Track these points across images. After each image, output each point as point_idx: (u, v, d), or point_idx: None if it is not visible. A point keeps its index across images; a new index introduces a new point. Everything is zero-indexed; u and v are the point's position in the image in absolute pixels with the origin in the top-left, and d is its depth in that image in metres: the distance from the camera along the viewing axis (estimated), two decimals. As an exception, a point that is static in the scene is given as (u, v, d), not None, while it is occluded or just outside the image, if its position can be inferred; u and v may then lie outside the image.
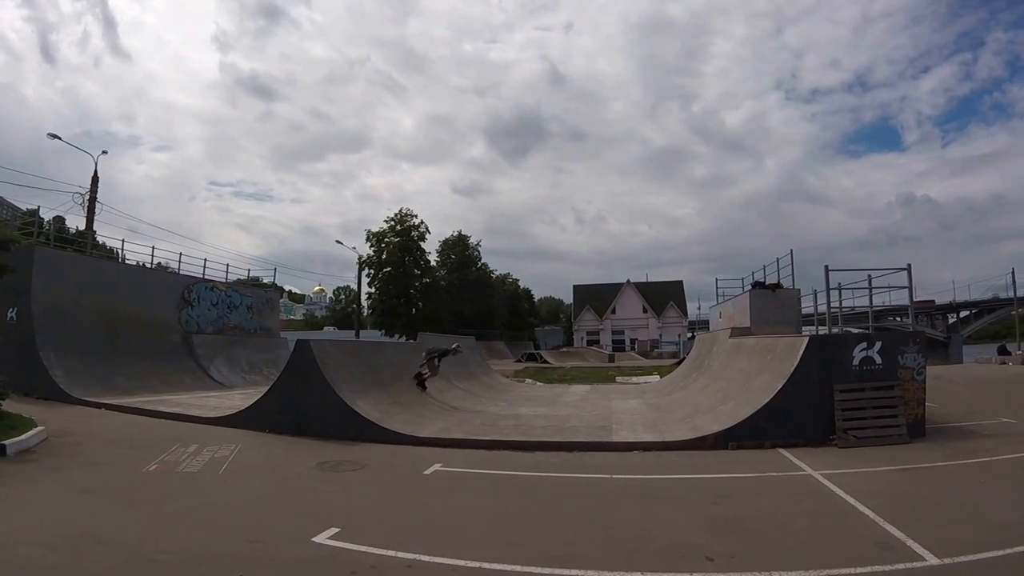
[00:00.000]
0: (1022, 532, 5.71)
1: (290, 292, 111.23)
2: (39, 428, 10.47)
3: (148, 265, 25.35)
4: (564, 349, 74.25)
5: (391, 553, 5.51)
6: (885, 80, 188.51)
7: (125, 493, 7.65)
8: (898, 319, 60.07)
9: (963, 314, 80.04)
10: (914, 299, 15.61)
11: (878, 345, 11.14)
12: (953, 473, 8.54)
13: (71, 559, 5.36)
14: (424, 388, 15.85)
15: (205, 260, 26.31)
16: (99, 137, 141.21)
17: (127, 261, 25.80)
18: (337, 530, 6.12)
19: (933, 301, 73.05)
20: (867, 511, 6.70)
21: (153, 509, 6.96)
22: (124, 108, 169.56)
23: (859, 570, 5.09)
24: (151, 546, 5.70)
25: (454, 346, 17.70)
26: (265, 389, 13.32)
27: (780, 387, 11.08)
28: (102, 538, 5.89)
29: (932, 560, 5.23)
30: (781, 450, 10.17)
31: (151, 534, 6.04)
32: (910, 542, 5.65)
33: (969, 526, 6.13)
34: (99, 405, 14.69)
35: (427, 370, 16.29)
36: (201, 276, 25.47)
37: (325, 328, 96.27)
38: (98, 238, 30.32)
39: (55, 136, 29.25)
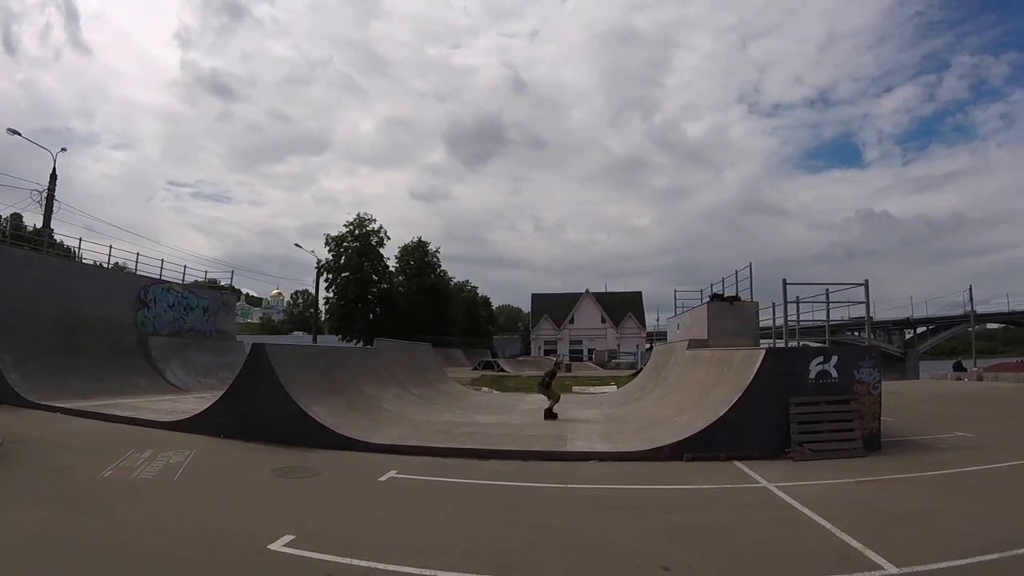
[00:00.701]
0: (979, 543, 5.86)
1: (247, 295, 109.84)
2: (-7, 434, 10.22)
3: (105, 265, 24.89)
4: (521, 358, 74.49)
5: (347, 560, 5.52)
6: (848, 97, 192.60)
7: (80, 500, 7.52)
8: (855, 334, 61.26)
9: (920, 330, 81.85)
10: (872, 316, 15.89)
11: (834, 359, 11.30)
12: (909, 485, 8.70)
13: (23, 567, 5.28)
14: (555, 417, 15.74)
15: (162, 261, 25.88)
16: (58, 133, 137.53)
17: (84, 260, 25.29)
18: (292, 537, 6.10)
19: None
20: (824, 522, 6.80)
21: (108, 516, 6.86)
22: (84, 104, 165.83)
23: (816, 580, 5.19)
24: (108, 554, 5.64)
25: (559, 357, 18.16)
26: (220, 393, 13.14)
27: (736, 399, 11.15)
28: (58, 546, 5.80)
29: (891, 569, 5.35)
30: (736, 462, 10.25)
31: (106, 542, 5.98)
32: (868, 552, 5.76)
33: (926, 536, 6.28)
34: (55, 409, 14.35)
35: (550, 399, 16.39)
36: (158, 277, 25.02)
37: (295, 333, 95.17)
38: (56, 237, 29.66)
39: (15, 132, 28.56)
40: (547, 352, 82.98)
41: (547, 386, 16.55)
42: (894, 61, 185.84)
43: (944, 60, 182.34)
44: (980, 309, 63.42)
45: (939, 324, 79.96)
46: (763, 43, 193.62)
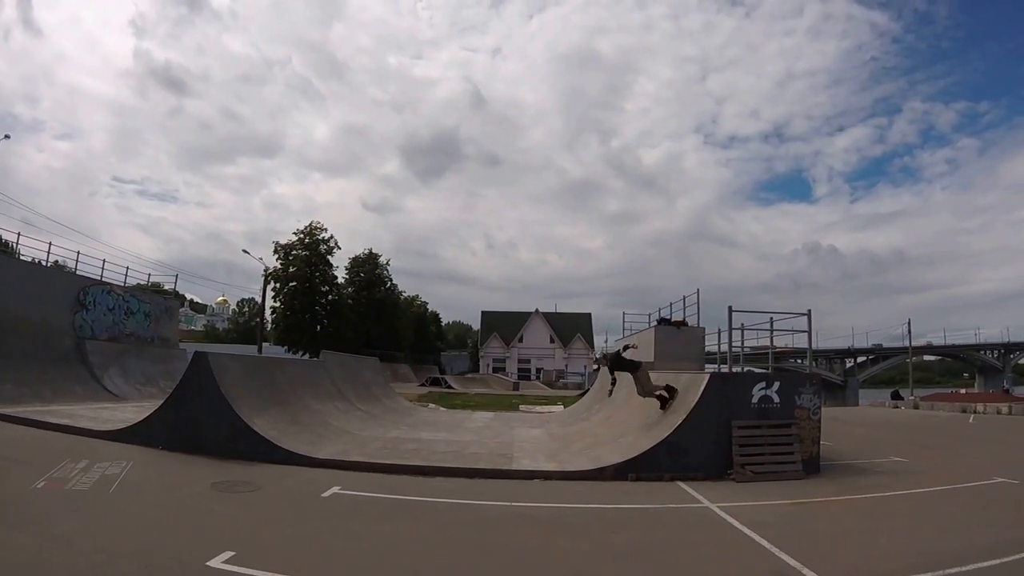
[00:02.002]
0: (911, 562, 6.10)
1: (192, 301, 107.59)
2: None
3: (43, 263, 24.15)
4: (469, 375, 74.30)
5: (287, 579, 5.44)
6: (801, 134, 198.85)
7: (11, 512, 7.27)
8: (798, 361, 62.64)
9: (860, 359, 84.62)
10: (814, 345, 16.26)
11: (776, 385, 11.64)
12: (846, 507, 8.99)
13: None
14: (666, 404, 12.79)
15: (104, 261, 25.21)
16: (0, 118, 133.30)
17: (21, 257, 24.52)
18: (232, 554, 5.98)
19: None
20: (763, 541, 6.96)
21: (41, 530, 6.64)
22: (29, 88, 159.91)
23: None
24: (39, 570, 5.48)
25: (631, 344, 15.05)
26: (160, 403, 12.84)
27: (680, 421, 11.39)
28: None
29: None
30: (680, 483, 10.42)
31: (39, 557, 5.79)
32: (805, 571, 5.91)
33: (861, 555, 6.50)
34: (-17, 414, 13.82)
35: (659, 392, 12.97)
36: (99, 278, 24.35)
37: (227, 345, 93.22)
38: (-9, 231, 28.80)
39: (-48, 118, 27.74)
40: (495, 370, 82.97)
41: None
42: (848, 102, 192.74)
43: (896, 105, 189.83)
44: (918, 342, 66.11)
45: (878, 355, 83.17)
46: (722, 76, 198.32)
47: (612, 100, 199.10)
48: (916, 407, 32.84)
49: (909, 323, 60.76)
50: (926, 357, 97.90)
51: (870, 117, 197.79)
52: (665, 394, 12.89)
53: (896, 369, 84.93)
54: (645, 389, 13.10)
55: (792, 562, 6.18)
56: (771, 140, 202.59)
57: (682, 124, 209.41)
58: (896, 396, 45.01)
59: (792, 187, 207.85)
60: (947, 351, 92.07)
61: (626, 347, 14.41)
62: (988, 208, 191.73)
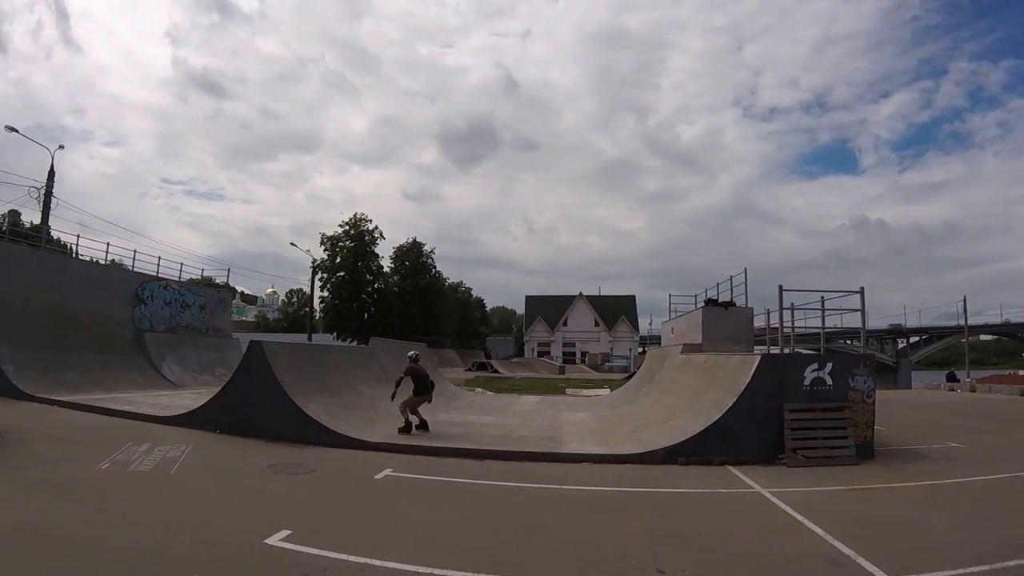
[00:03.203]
0: (969, 553, 5.84)
1: (242, 293, 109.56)
2: (-10, 424, 10.23)
3: (102, 262, 24.83)
4: (515, 359, 74.41)
5: (343, 556, 5.53)
6: (844, 102, 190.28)
7: (77, 491, 7.52)
8: (848, 342, 61.28)
9: (912, 339, 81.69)
10: (866, 323, 15.88)
11: (829, 367, 11.24)
12: (900, 494, 8.67)
13: (23, 557, 5.28)
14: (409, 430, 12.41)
15: (159, 258, 25.78)
16: (51, 130, 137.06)
17: (81, 257, 25.22)
18: (289, 532, 6.11)
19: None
20: (816, 528, 6.80)
21: (105, 508, 6.87)
22: (75, 101, 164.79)
23: (810, 586, 5.18)
24: (103, 544, 5.65)
25: (411, 354, 13.99)
26: (215, 389, 13.17)
27: (730, 405, 11.14)
28: (54, 536, 5.80)
29: None
30: (729, 467, 10.21)
31: (103, 533, 5.98)
32: (860, 560, 5.75)
33: (917, 545, 6.27)
34: (51, 402, 14.37)
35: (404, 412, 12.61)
36: (155, 274, 24.96)
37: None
38: (53, 233, 29.64)
39: (13, 129, 28.55)
40: (540, 354, 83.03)
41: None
42: (890, 66, 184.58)
43: (941, 66, 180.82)
44: (973, 321, 63.30)
45: (932, 334, 79.88)
46: (757, 45, 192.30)
47: (645, 77, 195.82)
48: (972, 390, 31.69)
49: (964, 300, 58.51)
50: (982, 336, 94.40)
51: (915, 81, 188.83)
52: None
53: (950, 350, 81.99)
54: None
55: (845, 550, 6.03)
56: (812, 110, 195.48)
57: (719, 98, 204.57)
58: (951, 378, 43.70)
59: (837, 159, 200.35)
60: (1004, 330, 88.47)
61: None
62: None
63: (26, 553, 5.36)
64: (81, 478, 8.16)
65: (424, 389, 12.87)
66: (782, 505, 7.92)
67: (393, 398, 12.73)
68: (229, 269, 33.05)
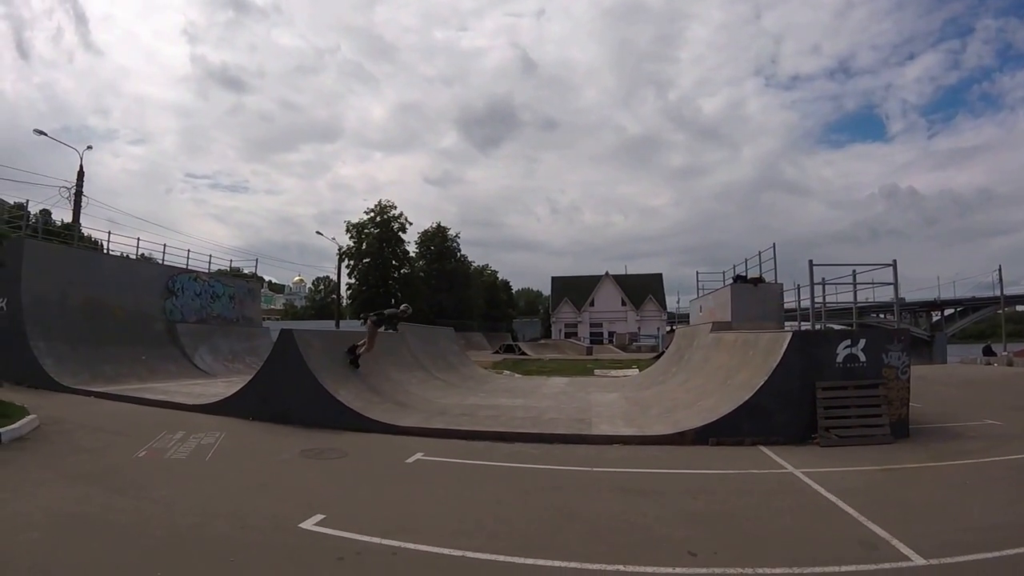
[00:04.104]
0: (1010, 534, 5.71)
1: (270, 282, 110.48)
2: (31, 416, 10.46)
3: (132, 256, 25.20)
4: (542, 341, 74.43)
5: (376, 540, 5.58)
6: (868, 67, 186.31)
7: (116, 479, 7.66)
8: (881, 316, 60.18)
9: (947, 312, 79.43)
10: (900, 297, 15.59)
11: (862, 343, 10.98)
12: (938, 474, 8.52)
13: (66, 543, 5.39)
14: (357, 366, 14.09)
15: (188, 251, 26.20)
16: (77, 131, 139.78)
17: (112, 253, 25.59)
18: (323, 516, 6.19)
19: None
20: (850, 509, 6.70)
21: (143, 495, 6.99)
22: (99, 102, 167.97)
23: (843, 568, 5.12)
24: (142, 530, 5.75)
25: (403, 307, 16.37)
26: (247, 378, 13.37)
27: (761, 383, 10.96)
28: (95, 523, 5.93)
29: (918, 560, 5.23)
30: (761, 447, 10.13)
31: (142, 519, 6.10)
32: (895, 541, 5.65)
33: (955, 527, 6.10)
34: (88, 393, 14.67)
35: (363, 343, 14.39)
36: (184, 267, 25.35)
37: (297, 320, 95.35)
38: (83, 230, 30.10)
39: (41, 132, 29.09)
40: (568, 335, 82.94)
41: (375, 324, 14.70)
42: (914, 27, 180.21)
43: (967, 24, 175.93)
44: (1010, 291, 61.14)
45: (967, 306, 77.41)
46: (776, 12, 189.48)
47: (664, 50, 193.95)
48: (1009, 364, 30.81)
49: (1000, 269, 56.24)
50: (1020, 307, 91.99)
51: (941, 41, 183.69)
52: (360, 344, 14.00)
53: (987, 322, 79.30)
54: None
55: (881, 532, 5.92)
56: (837, 76, 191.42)
57: (740, 68, 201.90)
58: (988, 352, 42.80)
59: (864, 126, 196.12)
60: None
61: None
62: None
63: (71, 540, 5.47)
64: (119, 466, 8.31)
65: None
66: (815, 486, 7.82)
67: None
68: (257, 259, 33.48)
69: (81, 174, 28.95)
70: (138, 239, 25.29)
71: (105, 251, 25.81)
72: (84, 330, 18.45)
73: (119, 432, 10.52)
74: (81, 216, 29.14)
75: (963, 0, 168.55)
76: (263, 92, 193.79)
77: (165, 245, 25.50)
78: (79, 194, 28.47)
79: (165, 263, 25.21)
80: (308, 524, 5.99)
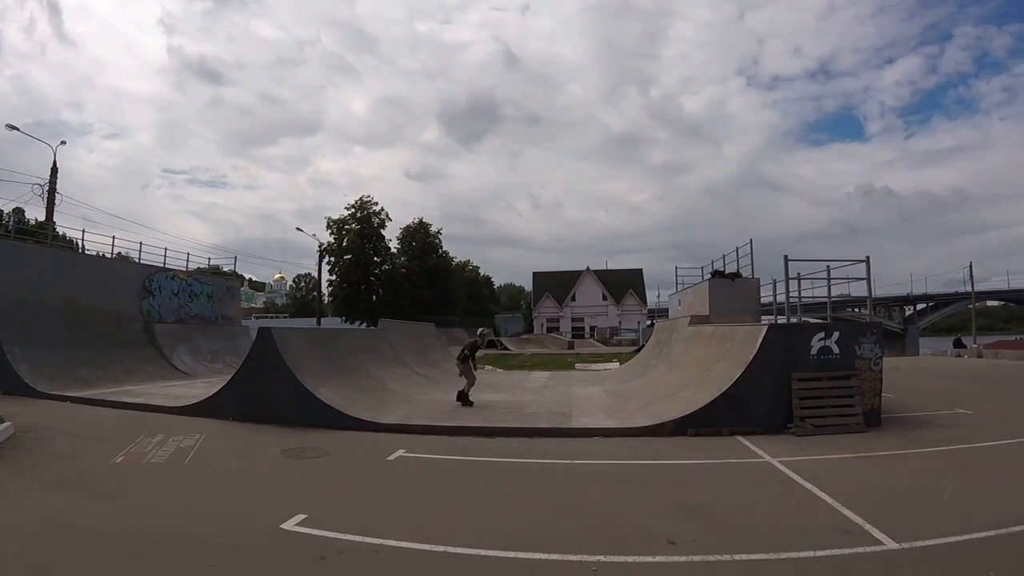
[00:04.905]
0: (977, 519, 5.88)
1: (250, 280, 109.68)
2: (6, 424, 10.28)
3: (108, 255, 24.92)
4: (524, 336, 74.41)
5: (358, 538, 5.59)
6: (849, 69, 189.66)
7: (95, 486, 7.59)
8: (856, 310, 61.18)
9: (920, 307, 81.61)
10: (873, 292, 15.82)
11: (836, 335, 11.26)
12: (909, 461, 8.70)
13: (46, 554, 5.33)
14: (471, 404, 13.74)
15: (166, 249, 25.86)
16: (51, 126, 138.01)
17: (87, 251, 25.30)
18: (304, 516, 6.19)
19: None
20: (825, 497, 6.87)
21: (123, 501, 6.93)
22: (73, 95, 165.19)
23: (819, 553, 5.24)
24: (123, 538, 5.71)
25: (480, 332, 16.47)
26: (227, 377, 13.24)
27: (738, 375, 11.17)
28: (75, 532, 5.86)
29: (891, 545, 5.38)
30: (739, 437, 10.31)
31: (122, 526, 6.05)
32: (868, 527, 5.80)
33: (926, 512, 6.31)
34: (64, 398, 14.42)
35: (466, 379, 14.24)
36: (162, 265, 25.05)
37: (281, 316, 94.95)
38: (57, 229, 29.72)
39: (13, 127, 28.58)
40: (549, 330, 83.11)
41: (465, 360, 14.49)
42: (895, 32, 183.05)
43: (946, 31, 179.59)
44: (980, 287, 62.71)
45: (939, 301, 79.91)
46: (760, 13, 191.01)
47: (649, 48, 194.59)
48: (979, 356, 31.59)
49: (970, 267, 57.71)
50: (989, 303, 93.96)
51: (920, 46, 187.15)
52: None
53: (958, 316, 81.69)
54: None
55: (855, 518, 6.08)
56: (817, 77, 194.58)
57: (723, 67, 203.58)
58: (958, 344, 43.54)
59: (843, 126, 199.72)
60: (1012, 296, 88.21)
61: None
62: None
63: (51, 552, 5.41)
64: (98, 473, 8.22)
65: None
66: (791, 474, 7.98)
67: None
68: (236, 257, 33.11)
69: (55, 170, 28.52)
70: (113, 237, 24.81)
71: (81, 250, 25.54)
72: (60, 333, 18.20)
73: (97, 438, 10.40)
74: (58, 214, 28.78)
75: (944, 7, 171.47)
76: (242, 85, 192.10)
77: (141, 243, 25.23)
78: (52, 191, 28.04)
79: (142, 262, 24.87)
80: (289, 524, 5.98)
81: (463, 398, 13.86)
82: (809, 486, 7.35)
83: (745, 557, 5.18)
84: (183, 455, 9.19)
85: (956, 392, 15.84)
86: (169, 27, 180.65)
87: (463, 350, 14.82)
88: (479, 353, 15.19)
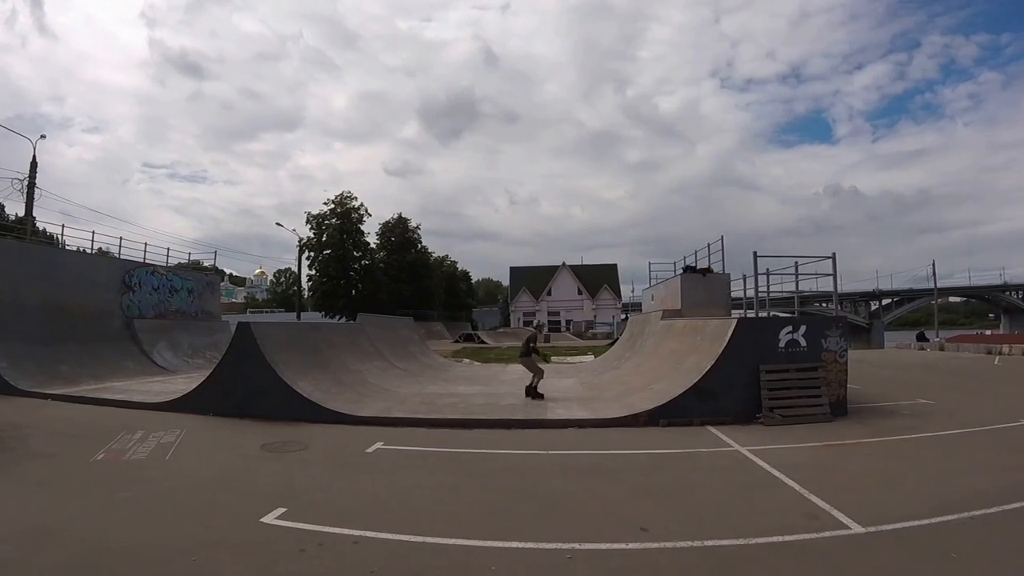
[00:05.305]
0: (939, 503, 6.07)
1: (231, 275, 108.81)
2: (-15, 423, 10.13)
3: (88, 251, 24.56)
4: (501, 330, 74.49)
5: (338, 530, 5.60)
6: (820, 74, 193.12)
7: (76, 484, 7.49)
8: (823, 305, 62.12)
9: (885, 302, 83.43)
10: (838, 288, 16.06)
11: (803, 329, 11.48)
12: (874, 449, 8.87)
13: (29, 554, 5.25)
14: (542, 396, 13.68)
15: (146, 244, 25.38)
16: (31, 120, 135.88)
17: (67, 247, 24.91)
18: (284, 510, 6.17)
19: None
20: (793, 484, 7.00)
21: (104, 499, 6.83)
22: (54, 88, 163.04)
23: (787, 538, 5.34)
24: (105, 535, 5.63)
25: (535, 324, 16.77)
26: (208, 373, 13.11)
27: (709, 367, 11.35)
28: (57, 531, 5.77)
29: (856, 529, 5.52)
30: (710, 427, 10.44)
31: (104, 524, 5.97)
32: (835, 512, 5.94)
33: (890, 497, 6.45)
34: (45, 396, 14.19)
35: (534, 374, 14.26)
36: (142, 261, 24.63)
37: (265, 310, 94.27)
38: (37, 224, 29.27)
39: (-7, 123, 28.12)
40: (526, 323, 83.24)
41: (527, 354, 14.63)
42: (865, 39, 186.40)
43: (915, 39, 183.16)
44: (943, 283, 64.66)
45: (903, 297, 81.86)
46: (735, 17, 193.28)
47: (626, 49, 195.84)
48: (941, 349, 32.42)
49: (933, 264, 59.34)
50: (951, 298, 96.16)
51: (889, 53, 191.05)
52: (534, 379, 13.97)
53: (921, 311, 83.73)
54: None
55: (821, 504, 6.22)
56: (789, 81, 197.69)
57: (698, 69, 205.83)
58: (921, 338, 44.48)
59: (813, 128, 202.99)
60: (972, 292, 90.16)
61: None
62: (1013, 144, 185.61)
63: (33, 551, 5.31)
64: (78, 471, 8.11)
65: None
66: (760, 462, 8.10)
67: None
68: (216, 252, 32.82)
69: (34, 165, 28.08)
70: (93, 232, 24.44)
71: (61, 246, 25.15)
72: (40, 329, 17.94)
73: (77, 435, 10.26)
74: (37, 209, 28.33)
75: (913, 16, 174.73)
76: (223, 79, 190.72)
77: (121, 239, 24.80)
78: (32, 186, 27.60)
79: (122, 257, 24.51)
80: (270, 518, 5.96)
81: (532, 392, 13.86)
82: (777, 474, 7.48)
83: (715, 543, 5.27)
84: (164, 451, 9.10)
85: (919, 383, 16.17)
86: (151, 20, 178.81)
87: (526, 344, 14.94)
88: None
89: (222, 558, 5.12)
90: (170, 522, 6.00)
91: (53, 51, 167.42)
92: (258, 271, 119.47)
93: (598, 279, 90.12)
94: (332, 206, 59.11)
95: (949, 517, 5.74)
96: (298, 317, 50.00)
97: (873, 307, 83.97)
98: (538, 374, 14.17)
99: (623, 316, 73.32)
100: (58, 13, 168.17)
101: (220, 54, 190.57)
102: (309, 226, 58.47)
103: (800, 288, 15.68)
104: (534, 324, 15.81)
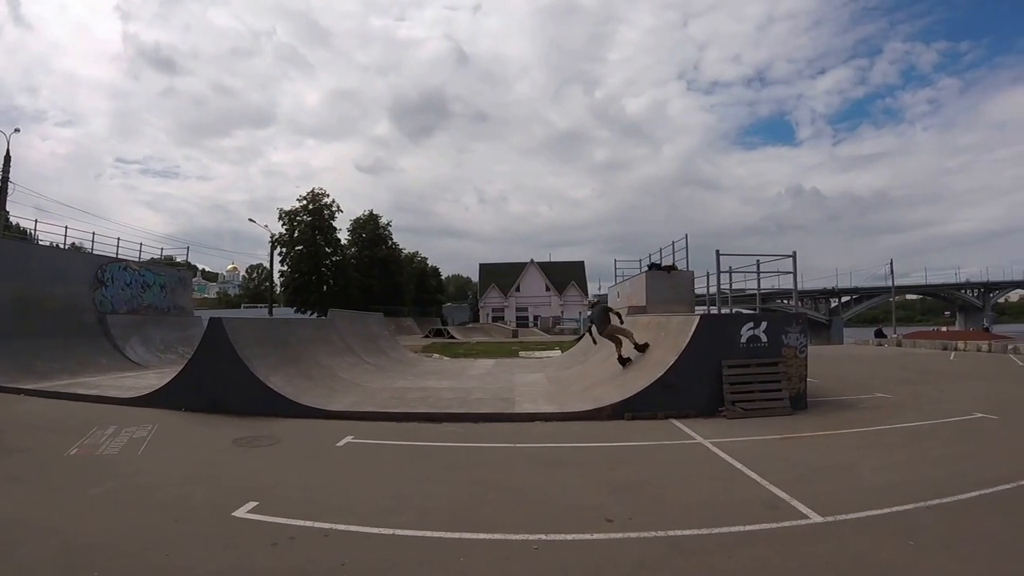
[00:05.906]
0: (896, 494, 6.15)
1: (203, 271, 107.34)
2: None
3: (61, 246, 24.07)
4: (470, 325, 74.41)
5: (308, 523, 5.54)
6: (783, 77, 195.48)
7: (49, 479, 7.34)
8: (784, 301, 62.96)
9: (844, 299, 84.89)
10: (799, 285, 16.27)
11: (764, 325, 11.58)
12: (833, 441, 8.97)
13: (3, 548, 5.14)
14: (631, 359, 13.65)
15: (118, 239, 25.00)
16: (5, 112, 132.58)
17: (40, 242, 24.40)
18: (256, 504, 6.10)
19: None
20: (754, 475, 7.06)
21: (77, 494, 6.70)
22: (28, 79, 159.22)
23: (748, 528, 5.39)
24: (79, 530, 5.53)
25: (595, 302, 16.15)
26: (179, 368, 12.91)
27: (673, 362, 11.42)
28: (31, 526, 5.65)
29: (816, 519, 5.59)
30: (673, 420, 10.52)
31: (78, 519, 5.86)
32: (795, 502, 6.01)
33: (849, 488, 6.53)
34: (18, 391, 13.87)
35: (623, 339, 13.92)
36: (114, 256, 24.25)
37: (242, 307, 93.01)
38: (9, 219, 28.59)
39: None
40: (495, 319, 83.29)
41: (607, 322, 14.25)
42: (829, 44, 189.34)
43: (877, 45, 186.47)
44: (900, 282, 65.90)
45: (862, 294, 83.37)
46: (703, 21, 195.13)
47: (595, 50, 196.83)
48: (899, 345, 33.02)
49: (891, 263, 60.48)
50: (908, 296, 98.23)
51: (851, 59, 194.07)
52: (636, 352, 13.57)
53: (879, 308, 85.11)
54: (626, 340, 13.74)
55: (781, 494, 6.29)
56: (753, 84, 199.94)
57: (665, 71, 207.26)
58: (879, 334, 45.15)
59: (775, 130, 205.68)
60: (929, 290, 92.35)
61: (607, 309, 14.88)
62: (970, 148, 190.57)
63: (8, 547, 5.18)
64: (52, 466, 7.93)
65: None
66: (722, 454, 8.17)
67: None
68: (188, 247, 32.32)
69: (8, 159, 27.47)
70: (66, 227, 24.00)
71: (34, 240, 24.63)
72: (13, 324, 17.56)
73: (50, 430, 10.04)
74: (8, 204, 27.71)
75: (875, 23, 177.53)
76: (196, 74, 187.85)
77: (94, 234, 24.36)
78: (6, 180, 27.01)
79: (95, 252, 24.06)
80: (241, 512, 5.89)
81: (625, 361, 13.68)
82: (739, 465, 7.54)
83: (678, 533, 5.30)
84: (136, 446, 8.93)
85: (877, 378, 16.41)
86: (125, 13, 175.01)
87: (603, 314, 14.62)
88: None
89: (195, 552, 5.04)
90: (142, 517, 5.90)
91: (29, 41, 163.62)
92: (230, 267, 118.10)
93: (566, 276, 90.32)
94: (304, 203, 58.67)
95: (906, 506, 5.83)
96: (270, 313, 49.46)
97: (833, 304, 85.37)
98: (628, 336, 13.88)
99: (589, 312, 73.66)
100: (33, 3, 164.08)
101: (194, 49, 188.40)
102: (281, 222, 58.03)
103: (762, 285, 15.86)
104: (595, 302, 15.46)
